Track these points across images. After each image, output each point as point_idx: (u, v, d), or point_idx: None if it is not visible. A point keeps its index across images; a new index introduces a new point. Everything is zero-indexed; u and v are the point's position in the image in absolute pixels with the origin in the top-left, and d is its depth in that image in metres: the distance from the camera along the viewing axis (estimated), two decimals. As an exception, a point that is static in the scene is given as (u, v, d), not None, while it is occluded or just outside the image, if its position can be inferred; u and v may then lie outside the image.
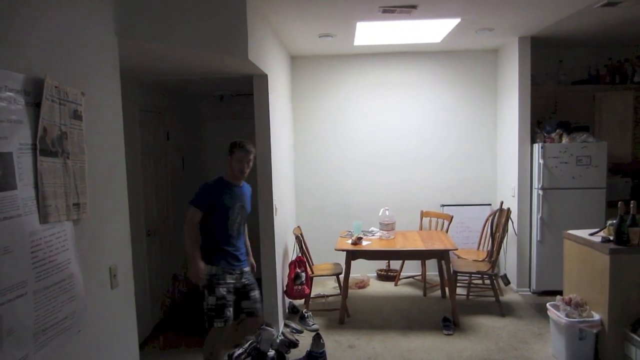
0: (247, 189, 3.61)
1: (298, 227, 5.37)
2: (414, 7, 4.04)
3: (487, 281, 5.32)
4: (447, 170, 6.12)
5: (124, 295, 2.47)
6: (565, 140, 5.22)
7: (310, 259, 5.13)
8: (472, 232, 5.99)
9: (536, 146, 5.25)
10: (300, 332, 4.56)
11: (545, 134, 5.30)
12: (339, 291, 5.12)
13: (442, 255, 4.71)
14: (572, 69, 5.75)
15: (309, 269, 5.00)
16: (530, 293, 5.43)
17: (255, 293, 3.57)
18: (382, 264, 6.19)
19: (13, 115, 1.61)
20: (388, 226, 5.12)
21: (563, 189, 5.20)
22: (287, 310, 5.02)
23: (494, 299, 4.95)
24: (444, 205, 6.05)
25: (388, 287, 5.84)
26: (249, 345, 3.99)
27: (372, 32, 4.97)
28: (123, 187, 2.52)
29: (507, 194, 5.65)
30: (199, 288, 3.45)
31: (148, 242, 4.54)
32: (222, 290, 3.33)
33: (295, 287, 4.81)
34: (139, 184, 4.35)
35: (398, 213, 5.60)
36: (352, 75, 6.09)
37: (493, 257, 4.89)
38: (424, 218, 5.84)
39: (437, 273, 5.47)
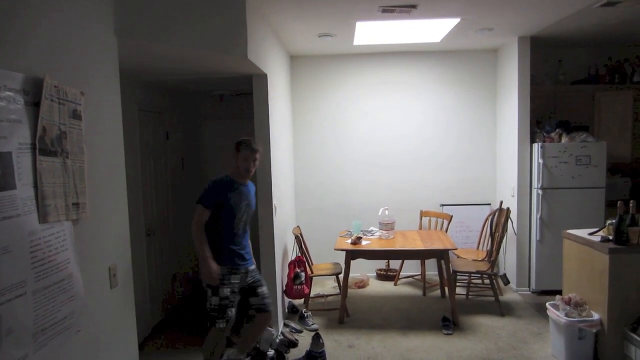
0: (251, 187, 3.61)
1: (297, 226, 5.37)
2: (413, 6, 4.04)
3: (487, 281, 5.33)
4: (446, 170, 6.12)
5: (123, 295, 2.47)
6: (564, 140, 5.22)
7: (310, 258, 5.13)
8: (472, 232, 5.99)
9: (536, 146, 5.25)
10: (300, 331, 4.56)
11: (544, 134, 5.31)
12: (338, 291, 5.12)
13: (441, 255, 4.71)
14: (572, 69, 5.76)
15: (308, 268, 5.00)
16: (529, 292, 5.43)
17: (263, 289, 3.55)
18: (381, 264, 6.19)
19: (12, 115, 1.61)
20: (387, 226, 5.12)
21: (562, 189, 5.20)
22: (286, 310, 5.02)
23: (493, 298, 4.95)
24: (443, 205, 6.05)
25: (387, 287, 5.84)
26: (249, 345, 3.99)
27: (371, 32, 4.97)
28: (122, 186, 2.52)
29: (507, 194, 5.65)
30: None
31: (147, 242, 4.53)
32: (226, 291, 3.32)
33: (295, 287, 4.81)
34: (139, 184, 4.35)
35: (397, 213, 5.60)
36: (351, 75, 6.09)
37: (492, 256, 4.89)
38: (423, 218, 5.84)
39: (436, 273, 5.48)
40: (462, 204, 6.07)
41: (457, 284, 5.25)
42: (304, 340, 4.28)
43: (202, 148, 6.22)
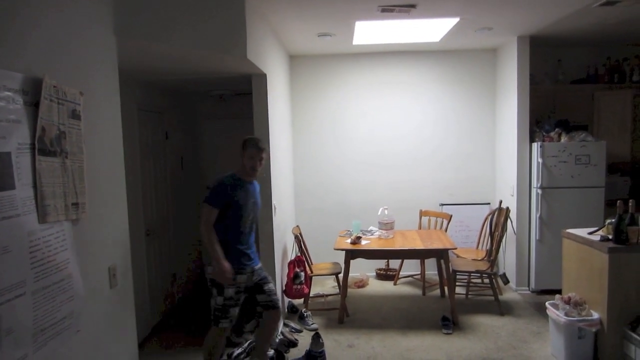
0: (257, 185, 3.59)
1: (297, 226, 5.37)
2: (412, 6, 4.04)
3: (486, 280, 5.33)
4: (446, 170, 6.12)
5: (123, 295, 2.47)
6: (564, 139, 5.23)
7: (310, 258, 5.13)
8: (471, 231, 6.00)
9: (535, 145, 5.25)
10: (300, 331, 4.56)
11: (544, 133, 5.31)
12: (338, 290, 5.12)
13: (441, 255, 4.71)
14: (571, 68, 5.76)
15: (308, 268, 5.00)
16: (529, 292, 5.43)
17: (270, 286, 3.53)
18: (381, 263, 6.19)
19: (11, 115, 1.61)
20: (387, 225, 5.12)
21: (562, 188, 5.20)
22: (286, 310, 5.02)
23: (493, 298, 4.95)
24: (443, 205, 6.05)
25: (387, 287, 5.84)
26: (248, 345, 4.00)
27: (371, 32, 4.97)
28: (122, 186, 2.52)
29: (506, 193, 5.65)
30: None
31: (147, 242, 4.53)
32: (231, 291, 3.29)
33: (295, 287, 4.81)
34: (138, 184, 4.34)
35: (397, 212, 5.61)
36: (351, 74, 6.09)
37: (492, 256, 4.89)
38: (423, 217, 5.84)
39: (436, 272, 5.48)
40: (462, 203, 6.07)
41: (457, 283, 5.25)
42: (304, 340, 4.28)
43: (202, 148, 6.22)
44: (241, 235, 3.37)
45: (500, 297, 5.06)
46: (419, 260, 5.76)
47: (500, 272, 5.52)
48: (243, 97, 5.60)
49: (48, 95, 1.78)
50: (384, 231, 5.11)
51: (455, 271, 4.89)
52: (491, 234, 5.07)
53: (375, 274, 6.16)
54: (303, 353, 3.96)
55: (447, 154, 6.10)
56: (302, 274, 4.87)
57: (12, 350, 1.57)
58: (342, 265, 4.81)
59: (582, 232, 3.91)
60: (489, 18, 4.57)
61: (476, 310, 4.95)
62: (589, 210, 5.15)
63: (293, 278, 4.82)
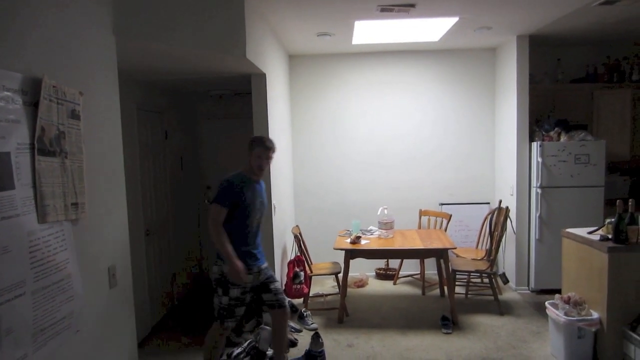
0: (263, 184, 3.55)
1: (297, 226, 5.37)
2: (412, 5, 4.04)
3: (486, 280, 5.33)
4: (445, 169, 6.12)
5: (122, 294, 2.47)
6: (563, 138, 5.23)
7: (309, 258, 5.13)
8: (471, 231, 6.00)
9: (534, 145, 5.26)
10: (299, 331, 4.56)
11: (543, 133, 5.31)
12: (337, 290, 5.12)
13: (440, 254, 4.71)
14: (570, 68, 5.76)
15: (307, 268, 5.00)
16: (528, 291, 5.44)
17: (276, 284, 3.49)
18: (381, 263, 6.19)
19: (11, 115, 1.61)
20: (387, 225, 5.12)
21: (561, 188, 5.21)
22: (286, 310, 5.02)
23: (492, 297, 4.95)
24: (442, 204, 6.05)
25: (387, 286, 5.84)
26: (248, 344, 3.99)
27: (370, 31, 4.97)
28: (121, 186, 2.52)
29: (506, 193, 5.65)
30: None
31: (147, 242, 4.53)
32: (237, 292, 3.26)
33: (294, 286, 4.81)
34: (138, 184, 4.34)
35: (397, 212, 5.61)
36: (350, 74, 6.09)
37: (492, 255, 4.89)
38: (422, 217, 5.84)
39: (435, 272, 5.48)
40: (461, 203, 6.07)
41: (456, 283, 5.25)
42: (303, 340, 4.28)
43: (201, 147, 6.22)
44: (248, 235, 3.34)
45: (499, 296, 5.06)
46: (418, 260, 5.76)
47: (500, 272, 5.52)
48: (242, 97, 5.61)
49: (47, 95, 1.78)
50: (383, 231, 5.12)
51: (454, 271, 4.89)
52: (491, 234, 5.07)
53: (374, 273, 6.16)
54: (303, 353, 3.96)
55: (446, 154, 6.10)
56: (302, 273, 4.87)
57: (11, 350, 1.57)
58: (342, 265, 4.81)
59: (581, 231, 3.91)
60: (488, 17, 4.57)
61: (476, 309, 4.95)
62: (588, 210, 5.15)
63: (293, 278, 4.82)
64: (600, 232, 3.77)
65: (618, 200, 3.52)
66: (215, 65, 3.82)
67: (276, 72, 4.92)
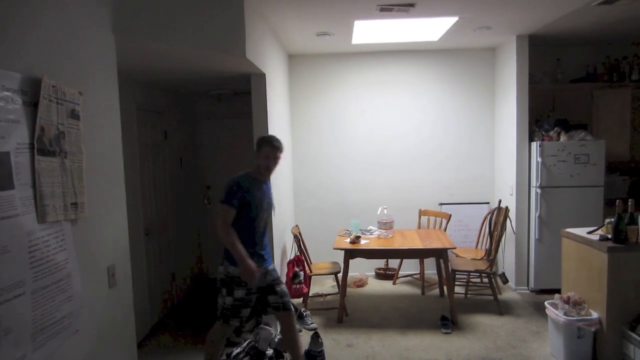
0: (270, 185, 3.52)
1: (296, 226, 5.37)
2: (411, 5, 4.04)
3: (486, 280, 5.34)
4: (445, 169, 6.12)
5: (122, 294, 2.47)
6: (563, 138, 5.23)
7: (309, 257, 5.13)
8: (471, 231, 6.00)
9: (534, 144, 5.26)
10: (299, 331, 4.56)
11: (543, 132, 5.31)
12: (337, 290, 5.13)
13: (440, 254, 4.71)
14: (570, 67, 5.76)
15: (307, 267, 5.00)
16: (528, 291, 5.44)
17: (282, 287, 3.46)
18: (380, 263, 6.19)
19: (10, 115, 1.61)
20: (386, 225, 5.12)
21: (561, 187, 5.21)
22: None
23: (492, 297, 4.95)
24: (442, 204, 6.06)
25: (386, 286, 5.84)
26: (247, 344, 3.99)
27: (369, 31, 4.97)
28: (121, 186, 2.51)
29: (505, 193, 5.65)
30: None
31: (146, 242, 4.53)
32: (241, 293, 3.24)
33: (294, 286, 4.81)
34: (137, 183, 4.34)
35: (396, 212, 5.61)
36: (350, 73, 6.09)
37: (491, 255, 4.89)
38: (422, 217, 5.84)
39: (435, 272, 5.48)
40: (461, 202, 6.07)
41: (456, 283, 5.25)
42: (303, 340, 4.27)
43: (201, 147, 6.22)
44: (255, 236, 3.31)
45: (499, 296, 5.06)
46: (418, 260, 5.76)
47: (500, 272, 5.52)
48: (242, 97, 5.60)
49: (47, 95, 1.78)
50: (383, 231, 5.12)
51: (454, 271, 4.89)
52: (490, 234, 5.07)
53: (374, 273, 6.16)
54: (302, 352, 3.96)
55: (446, 154, 6.10)
56: (301, 273, 4.87)
57: (11, 349, 1.57)
58: (342, 265, 4.81)
59: (581, 231, 3.91)
60: (488, 17, 4.57)
61: (475, 309, 4.95)
62: (588, 210, 5.15)
63: (292, 277, 4.82)
64: (599, 232, 3.77)
65: (617, 200, 3.52)
66: (215, 65, 3.81)
67: (276, 71, 4.92)
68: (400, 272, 5.91)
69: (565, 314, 3.67)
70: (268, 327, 3.96)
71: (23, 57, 1.72)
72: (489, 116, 6.06)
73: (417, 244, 4.75)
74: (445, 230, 5.43)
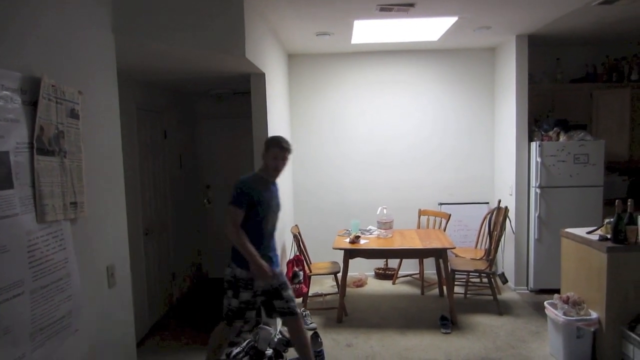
0: (277, 186, 3.51)
1: (296, 225, 5.37)
2: (411, 5, 4.04)
3: (485, 279, 5.34)
4: (445, 169, 6.12)
5: (121, 294, 2.47)
6: (562, 138, 5.23)
7: (308, 257, 5.13)
8: (470, 231, 6.00)
9: (534, 144, 5.26)
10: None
11: (542, 132, 5.31)
12: (336, 290, 5.13)
13: (439, 254, 4.71)
14: (570, 67, 5.76)
15: (306, 267, 5.00)
16: (527, 291, 5.44)
17: (289, 292, 3.43)
18: (380, 263, 6.19)
19: (10, 114, 1.61)
20: (386, 225, 5.12)
21: (560, 187, 5.21)
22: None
23: (491, 297, 4.95)
24: (441, 204, 6.06)
25: (386, 286, 5.84)
26: (247, 344, 3.99)
27: (369, 31, 4.97)
28: (120, 185, 2.51)
29: (505, 193, 5.66)
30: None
31: (146, 241, 4.53)
32: (247, 295, 3.22)
33: (293, 286, 4.80)
34: (137, 183, 4.34)
35: (396, 212, 5.61)
36: (349, 73, 6.09)
37: (491, 255, 4.89)
38: (421, 216, 5.84)
39: (434, 272, 5.48)
40: (461, 202, 6.08)
41: (456, 282, 5.25)
42: (303, 339, 4.28)
43: (201, 147, 6.22)
44: (263, 237, 3.28)
45: (498, 296, 5.06)
46: (417, 260, 5.76)
47: (499, 272, 5.52)
48: (242, 96, 5.60)
49: (46, 95, 1.78)
50: (382, 230, 5.12)
51: (454, 270, 4.89)
52: (490, 234, 5.07)
53: (374, 273, 6.17)
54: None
55: (446, 153, 6.11)
56: (301, 273, 4.87)
57: (10, 349, 1.57)
58: (341, 265, 4.81)
59: (580, 231, 3.91)
60: (488, 17, 4.57)
61: (475, 309, 4.95)
62: (587, 210, 5.15)
63: (292, 277, 4.82)
64: (599, 232, 3.77)
65: (617, 200, 3.53)
66: (215, 65, 3.81)
67: (275, 71, 4.92)
68: (399, 272, 5.92)
69: (565, 314, 3.67)
70: (267, 327, 3.96)
71: (23, 57, 1.72)
72: (488, 116, 6.06)
73: (416, 243, 4.75)
74: (444, 230, 5.43)
